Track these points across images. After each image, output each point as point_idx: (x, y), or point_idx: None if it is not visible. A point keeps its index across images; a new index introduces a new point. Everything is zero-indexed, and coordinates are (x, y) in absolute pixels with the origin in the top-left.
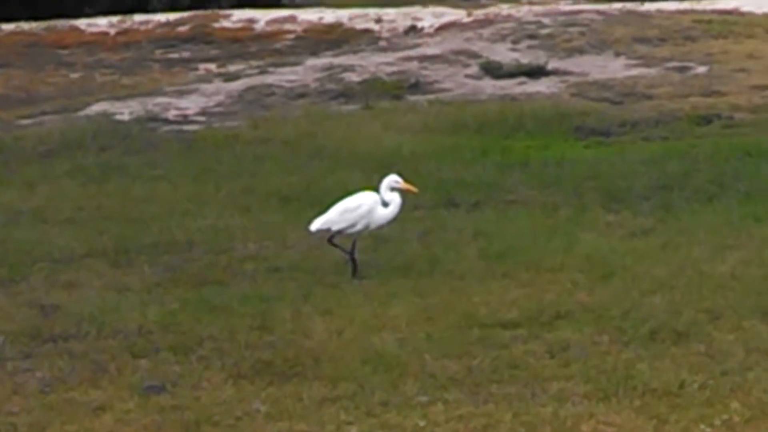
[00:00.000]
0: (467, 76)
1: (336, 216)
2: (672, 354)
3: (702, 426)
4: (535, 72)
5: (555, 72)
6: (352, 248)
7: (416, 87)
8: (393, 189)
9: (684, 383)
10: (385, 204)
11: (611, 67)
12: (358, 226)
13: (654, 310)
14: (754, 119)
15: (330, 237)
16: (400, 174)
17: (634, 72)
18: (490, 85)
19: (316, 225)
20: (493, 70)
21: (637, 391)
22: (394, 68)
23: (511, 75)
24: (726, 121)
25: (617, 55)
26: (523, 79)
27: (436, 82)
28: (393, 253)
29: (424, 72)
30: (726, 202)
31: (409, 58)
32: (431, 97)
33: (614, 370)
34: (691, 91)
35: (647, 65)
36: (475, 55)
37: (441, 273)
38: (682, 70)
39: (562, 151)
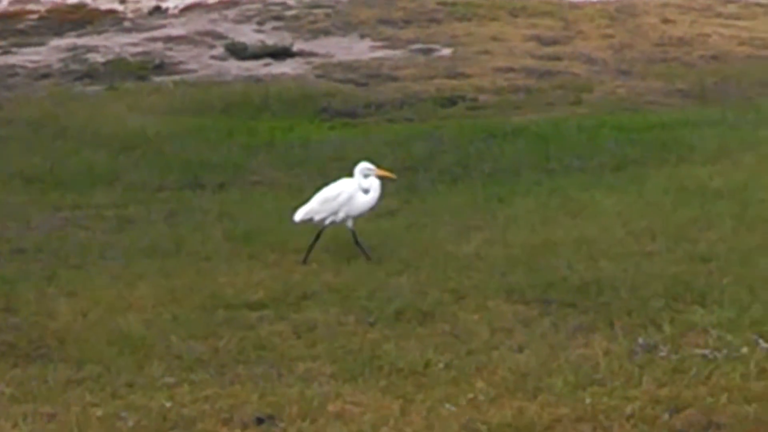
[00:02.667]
0: (212, 57)
1: (317, 205)
2: (418, 334)
3: (447, 405)
4: (281, 53)
5: (300, 53)
6: (318, 233)
7: (161, 68)
8: (367, 176)
9: (430, 363)
10: (364, 191)
11: (356, 49)
12: (340, 214)
13: (400, 291)
14: (497, 101)
15: (321, 230)
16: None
17: (380, 54)
18: (235, 67)
19: (299, 215)
20: (239, 52)
21: (384, 371)
22: (139, 49)
23: (257, 56)
24: (470, 103)
25: (362, 36)
26: (268, 60)
27: (182, 63)
28: (139, 235)
29: (169, 53)
30: (470, 183)
31: (154, 39)
32: (176, 78)
33: (360, 351)
34: (436, 72)
35: (392, 47)
36: (220, 36)
37: (187, 254)
38: (426, 52)
39: (308, 132)
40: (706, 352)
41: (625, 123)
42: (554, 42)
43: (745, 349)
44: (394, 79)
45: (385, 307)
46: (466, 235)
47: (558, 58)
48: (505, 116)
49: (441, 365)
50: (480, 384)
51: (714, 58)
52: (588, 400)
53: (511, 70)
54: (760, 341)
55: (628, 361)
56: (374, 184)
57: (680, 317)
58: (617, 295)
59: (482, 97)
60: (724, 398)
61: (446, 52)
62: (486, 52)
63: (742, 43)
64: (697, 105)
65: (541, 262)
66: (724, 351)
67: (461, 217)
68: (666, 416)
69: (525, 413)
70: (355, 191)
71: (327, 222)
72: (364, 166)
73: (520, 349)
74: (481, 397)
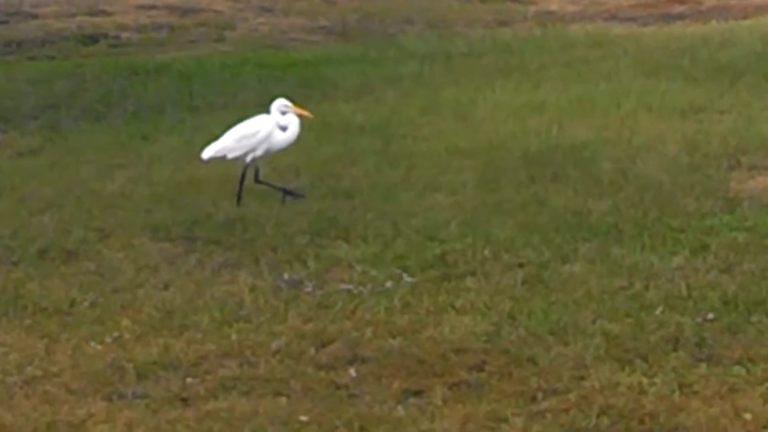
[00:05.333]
0: None
1: (232, 143)
2: (62, 273)
3: (93, 343)
4: None
5: None
6: (256, 175)
7: None
8: (283, 113)
9: (74, 302)
10: (282, 128)
11: None
12: (258, 152)
13: (43, 230)
14: (140, 38)
15: (253, 175)
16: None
17: None
18: None
19: (209, 153)
20: None
21: (28, 310)
22: None
23: None
24: (113, 41)
25: None
26: None
27: None
28: None
29: None
30: (113, 121)
31: None
32: None
33: (4, 291)
34: (78, 10)
35: None
36: None
37: None
38: None
39: None
40: (351, 287)
41: (268, 60)
42: None
43: (389, 284)
44: (35, 16)
45: (28, 246)
46: (110, 173)
47: None
48: (148, 54)
49: (86, 304)
50: (125, 322)
51: None
52: (234, 336)
53: (153, 7)
54: (404, 275)
55: (274, 296)
56: (293, 121)
57: (325, 253)
58: (262, 231)
59: (125, 35)
60: (369, 332)
61: None
62: None
63: None
64: (340, 42)
65: (186, 199)
66: (369, 286)
67: (105, 156)
68: (312, 351)
69: (171, 350)
70: (273, 128)
71: (248, 159)
72: (280, 102)
73: (166, 287)
74: (126, 335)
